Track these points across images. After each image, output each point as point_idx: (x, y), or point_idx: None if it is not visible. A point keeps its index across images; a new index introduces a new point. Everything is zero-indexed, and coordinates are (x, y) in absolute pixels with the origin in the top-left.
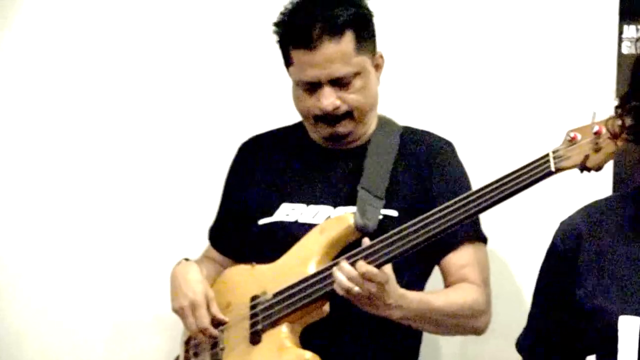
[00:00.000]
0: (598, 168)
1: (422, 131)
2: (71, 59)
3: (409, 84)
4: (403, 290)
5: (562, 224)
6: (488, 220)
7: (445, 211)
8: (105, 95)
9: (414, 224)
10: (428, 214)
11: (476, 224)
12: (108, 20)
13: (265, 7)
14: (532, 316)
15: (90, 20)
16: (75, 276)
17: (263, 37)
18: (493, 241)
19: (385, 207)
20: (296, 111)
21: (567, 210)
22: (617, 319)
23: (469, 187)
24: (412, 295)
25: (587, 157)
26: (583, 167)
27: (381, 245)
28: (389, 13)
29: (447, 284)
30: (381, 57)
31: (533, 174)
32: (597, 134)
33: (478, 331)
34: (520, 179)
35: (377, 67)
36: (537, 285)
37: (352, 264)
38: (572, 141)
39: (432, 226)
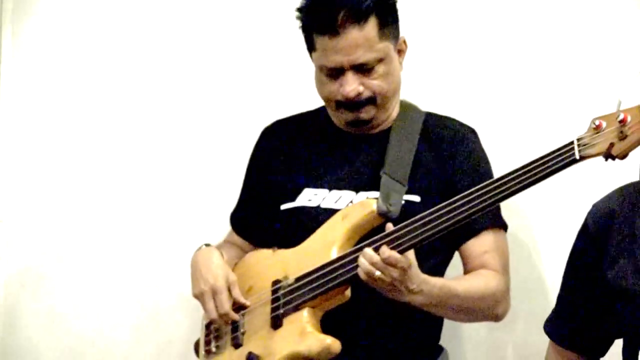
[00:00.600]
0: (623, 156)
1: (446, 117)
2: (87, 61)
3: (431, 70)
4: (425, 276)
5: (594, 204)
6: (508, 207)
7: (469, 197)
8: (124, 88)
9: (438, 210)
10: (451, 200)
11: (497, 210)
12: (128, 21)
13: None
14: (561, 298)
15: (110, 24)
16: (102, 263)
17: (284, 24)
18: (515, 227)
19: (408, 192)
20: (314, 98)
21: (590, 196)
22: None
23: (490, 175)
24: (434, 281)
25: (612, 145)
26: (608, 155)
27: (404, 231)
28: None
29: (467, 270)
30: (404, 42)
31: (557, 161)
32: (623, 122)
33: (497, 318)
34: (545, 166)
35: (400, 52)
36: (567, 267)
37: (376, 250)
38: (597, 129)
39: (455, 212)
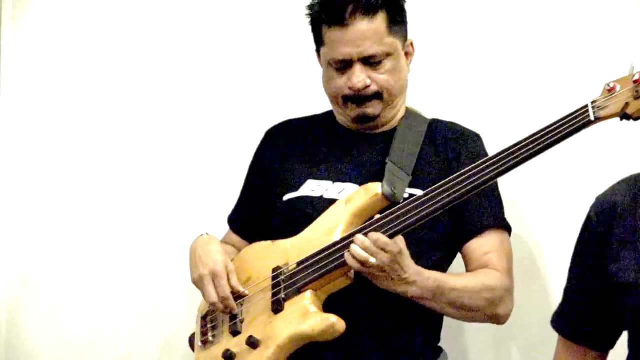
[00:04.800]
0: (639, 116)
1: (451, 122)
2: (87, 59)
3: (437, 75)
4: (419, 267)
5: (597, 197)
6: (509, 207)
7: (465, 176)
8: (124, 87)
9: (431, 192)
10: (446, 180)
11: (500, 212)
12: (128, 19)
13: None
14: (567, 292)
15: (111, 22)
16: (103, 261)
17: (289, 25)
18: (517, 227)
19: (412, 185)
20: (318, 100)
21: (591, 192)
22: None
23: None
24: (429, 273)
25: (627, 104)
26: (623, 115)
27: (394, 215)
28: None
29: (470, 271)
30: (412, 45)
31: (572, 124)
32: (638, 82)
33: (499, 319)
34: (560, 129)
35: (407, 55)
36: (572, 260)
37: (366, 235)
38: (611, 91)
39: (450, 192)
